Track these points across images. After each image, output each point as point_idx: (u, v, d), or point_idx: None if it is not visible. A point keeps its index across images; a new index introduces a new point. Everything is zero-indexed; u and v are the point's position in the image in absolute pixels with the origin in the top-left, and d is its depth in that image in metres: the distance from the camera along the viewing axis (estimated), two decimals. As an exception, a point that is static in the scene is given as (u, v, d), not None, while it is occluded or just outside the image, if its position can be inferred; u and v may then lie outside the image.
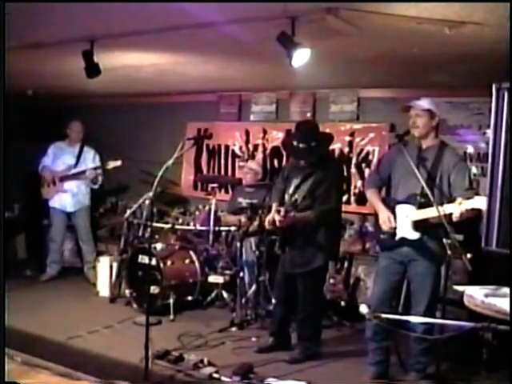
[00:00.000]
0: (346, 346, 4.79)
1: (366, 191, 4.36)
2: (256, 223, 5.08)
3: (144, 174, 6.27)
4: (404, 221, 3.84)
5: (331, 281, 5.48)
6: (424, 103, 3.90)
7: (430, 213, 3.66)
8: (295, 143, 4.40)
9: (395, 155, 4.09)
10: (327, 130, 6.30)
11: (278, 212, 4.28)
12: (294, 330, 4.65)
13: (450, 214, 3.53)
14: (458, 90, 5.52)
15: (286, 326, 4.64)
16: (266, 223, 4.44)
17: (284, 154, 6.62)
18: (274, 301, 4.86)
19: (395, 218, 3.89)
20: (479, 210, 3.51)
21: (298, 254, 4.38)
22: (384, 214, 3.92)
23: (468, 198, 3.46)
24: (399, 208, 3.89)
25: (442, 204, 3.58)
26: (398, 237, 3.88)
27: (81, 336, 4.76)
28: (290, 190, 4.43)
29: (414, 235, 3.81)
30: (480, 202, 3.41)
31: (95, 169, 6.51)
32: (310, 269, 4.34)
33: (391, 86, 5.87)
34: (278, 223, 4.29)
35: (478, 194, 3.56)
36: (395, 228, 3.86)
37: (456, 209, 3.48)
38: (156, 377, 3.98)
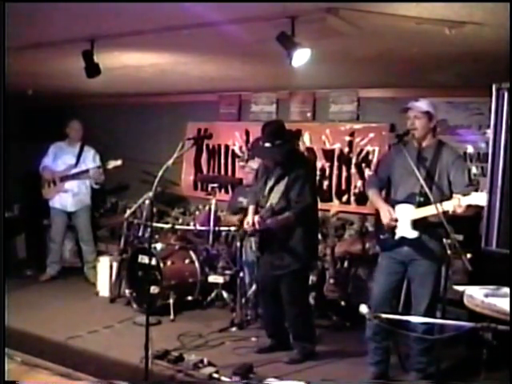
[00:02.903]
0: (345, 345, 4.78)
1: (366, 192, 4.36)
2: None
3: (144, 174, 6.27)
4: (403, 220, 3.85)
5: (331, 281, 5.48)
6: (422, 105, 3.89)
7: (428, 211, 3.67)
8: (261, 143, 4.42)
9: (394, 156, 4.09)
10: (327, 130, 6.37)
11: (255, 214, 4.34)
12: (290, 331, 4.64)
13: (449, 212, 3.53)
14: (457, 90, 5.52)
15: (282, 326, 4.62)
16: (246, 226, 4.44)
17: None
18: (261, 304, 4.86)
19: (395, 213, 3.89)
20: (479, 207, 3.51)
21: (277, 257, 4.37)
22: (384, 208, 3.93)
23: (466, 194, 3.45)
24: (399, 208, 3.89)
25: (441, 201, 3.58)
26: (397, 236, 3.89)
27: (81, 336, 4.75)
28: (265, 193, 4.44)
29: (413, 234, 3.82)
30: (478, 198, 3.40)
31: (96, 168, 6.51)
32: (289, 271, 4.32)
33: (391, 86, 5.88)
34: (256, 225, 4.31)
35: (477, 190, 3.54)
36: (396, 220, 3.86)
37: (453, 205, 3.48)
38: (156, 377, 3.99)
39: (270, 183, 4.42)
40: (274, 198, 4.35)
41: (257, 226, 4.33)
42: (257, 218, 4.35)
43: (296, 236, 4.31)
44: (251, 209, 4.53)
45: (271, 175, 4.44)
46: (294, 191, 4.29)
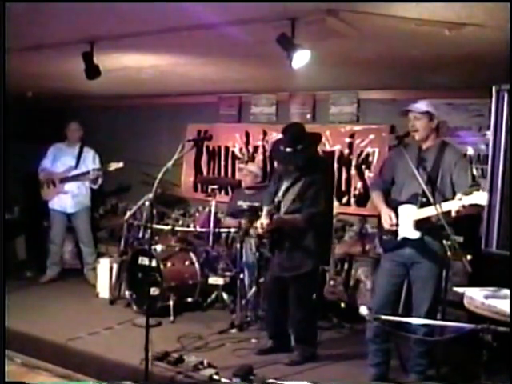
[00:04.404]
0: (345, 347, 4.78)
1: (370, 193, 4.37)
2: (254, 225, 5.10)
3: (144, 176, 6.27)
4: (406, 221, 3.84)
5: (331, 282, 5.48)
6: (422, 106, 3.89)
7: (430, 211, 3.66)
8: (282, 148, 4.40)
9: (396, 158, 4.08)
10: (327, 132, 6.36)
11: (268, 215, 4.32)
12: (292, 333, 4.63)
13: (451, 212, 3.53)
14: (457, 91, 5.52)
15: (284, 328, 4.61)
16: (258, 226, 4.43)
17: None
18: (265, 305, 4.85)
19: (397, 218, 3.89)
20: (480, 206, 3.50)
21: (287, 258, 4.37)
22: (385, 212, 3.93)
23: (467, 194, 3.45)
24: (401, 208, 3.89)
25: (444, 201, 3.58)
26: (400, 237, 3.89)
27: (81, 337, 4.75)
28: (280, 194, 4.44)
29: (415, 234, 3.81)
30: (479, 198, 3.40)
31: (97, 170, 6.51)
32: (299, 273, 4.32)
33: (391, 87, 5.88)
34: (267, 226, 4.31)
35: (478, 190, 3.53)
36: (397, 225, 3.86)
37: (455, 205, 3.48)
38: (156, 378, 3.98)
39: (287, 184, 4.42)
40: (288, 200, 4.35)
41: (267, 227, 4.33)
42: (271, 214, 4.34)
43: (307, 239, 4.31)
44: (265, 210, 4.51)
45: (288, 177, 4.43)
46: (309, 195, 4.29)
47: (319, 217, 4.29)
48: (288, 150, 4.32)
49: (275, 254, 4.47)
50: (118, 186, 7.65)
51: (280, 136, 6.47)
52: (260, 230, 4.42)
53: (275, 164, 6.72)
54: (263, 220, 4.39)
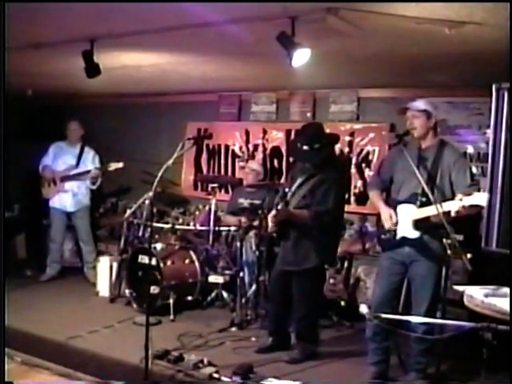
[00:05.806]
0: (345, 345, 4.78)
1: (368, 192, 4.37)
2: (257, 222, 5.11)
3: (144, 174, 6.27)
4: (405, 220, 3.84)
5: (331, 281, 5.48)
6: (420, 104, 3.90)
7: (430, 211, 3.66)
8: (299, 146, 4.43)
9: (395, 157, 4.09)
10: (327, 130, 6.35)
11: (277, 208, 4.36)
12: (293, 330, 4.64)
13: (451, 212, 3.53)
14: (457, 90, 5.52)
15: (285, 326, 4.62)
16: (269, 219, 4.45)
17: (284, 154, 6.67)
18: (269, 301, 4.86)
19: (397, 217, 3.89)
20: (480, 207, 3.50)
21: (291, 252, 4.39)
22: (385, 211, 3.93)
23: (468, 195, 3.45)
24: (400, 208, 3.89)
25: (443, 202, 3.58)
26: (398, 236, 3.89)
27: (81, 336, 4.75)
28: (293, 189, 4.46)
29: (415, 234, 3.81)
30: (480, 199, 3.40)
31: (97, 170, 6.51)
32: (302, 268, 4.33)
33: (391, 86, 5.88)
34: (274, 218, 4.34)
35: (479, 190, 3.54)
36: (397, 223, 3.86)
37: (456, 205, 3.48)
38: (156, 377, 3.98)
39: (300, 180, 4.44)
40: (299, 196, 4.38)
41: (273, 219, 4.36)
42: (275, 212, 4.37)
43: (313, 236, 4.32)
44: (276, 203, 4.53)
45: (303, 174, 4.45)
46: (319, 193, 4.31)
47: (327, 215, 4.30)
48: (305, 148, 4.36)
49: (281, 248, 4.50)
50: (118, 185, 7.63)
51: (280, 134, 6.71)
52: (269, 223, 4.45)
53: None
54: (272, 212, 4.42)
